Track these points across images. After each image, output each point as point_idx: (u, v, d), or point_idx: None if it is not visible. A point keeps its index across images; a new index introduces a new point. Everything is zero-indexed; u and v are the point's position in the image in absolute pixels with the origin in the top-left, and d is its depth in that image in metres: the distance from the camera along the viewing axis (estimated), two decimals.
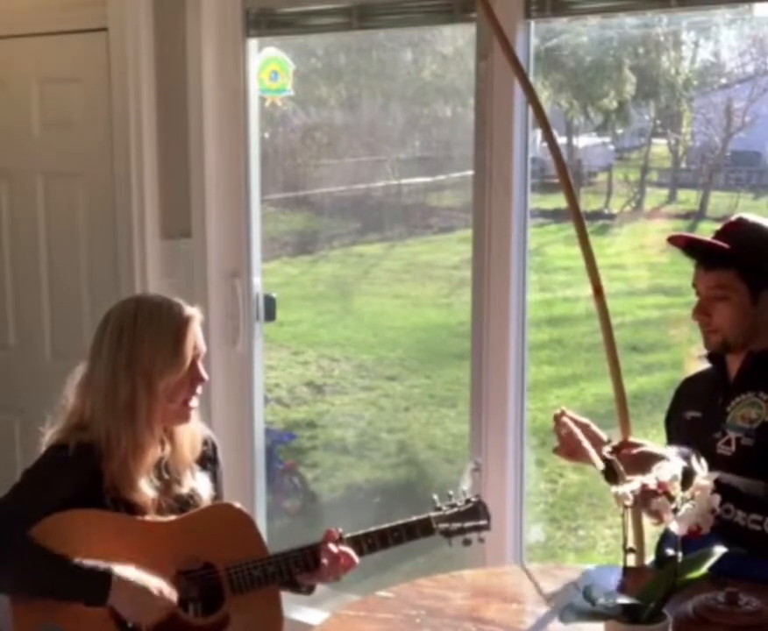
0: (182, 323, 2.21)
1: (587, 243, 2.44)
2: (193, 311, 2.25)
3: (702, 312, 2.29)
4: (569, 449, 2.33)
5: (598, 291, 2.46)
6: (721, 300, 2.25)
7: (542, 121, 2.52)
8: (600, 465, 2.18)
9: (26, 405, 3.57)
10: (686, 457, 1.88)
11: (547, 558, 4.72)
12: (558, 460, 2.33)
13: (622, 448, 2.35)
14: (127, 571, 2.06)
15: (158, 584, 2.08)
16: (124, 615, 2.07)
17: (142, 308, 2.22)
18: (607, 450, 2.34)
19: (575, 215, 2.48)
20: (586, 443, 2.27)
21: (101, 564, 2.05)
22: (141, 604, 2.06)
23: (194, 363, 2.22)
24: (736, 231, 2.28)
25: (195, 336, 2.23)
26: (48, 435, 2.24)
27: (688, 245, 2.33)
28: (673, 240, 2.35)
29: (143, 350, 2.17)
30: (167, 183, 3.47)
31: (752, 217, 2.32)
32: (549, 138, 2.51)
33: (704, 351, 2.36)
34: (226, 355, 3.46)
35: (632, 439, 2.41)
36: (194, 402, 2.25)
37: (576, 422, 2.36)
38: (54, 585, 2.05)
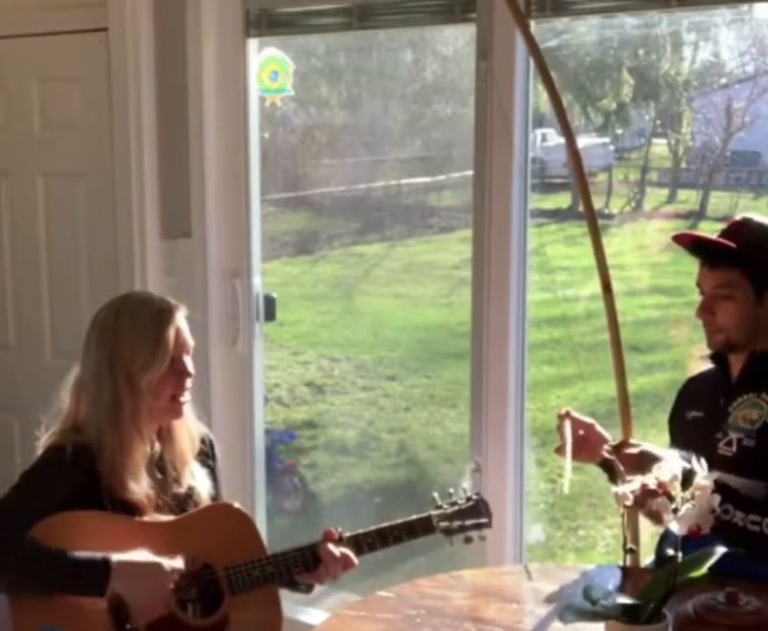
0: (162, 319, 2.19)
1: (599, 238, 2.46)
2: (174, 305, 2.24)
3: (706, 311, 2.28)
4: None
5: (607, 287, 2.48)
6: (726, 299, 2.25)
7: (562, 118, 2.54)
8: (569, 473, 2.20)
9: (26, 405, 3.56)
10: (687, 461, 1.88)
11: (547, 558, 4.72)
12: (560, 460, 2.33)
13: (622, 447, 2.35)
14: (126, 557, 2.06)
15: (159, 559, 2.07)
16: (129, 599, 2.06)
17: (125, 307, 2.23)
18: (606, 448, 2.34)
19: (587, 208, 2.50)
20: (568, 447, 2.28)
21: (98, 554, 2.05)
22: (145, 579, 2.06)
23: (178, 357, 2.21)
24: (742, 231, 2.28)
25: (178, 330, 2.21)
26: (45, 437, 2.24)
27: (693, 244, 2.33)
28: (678, 239, 2.35)
29: (123, 348, 2.17)
30: (167, 183, 3.47)
31: (757, 217, 2.32)
32: (567, 134, 2.53)
33: (706, 351, 2.36)
34: (226, 355, 3.46)
35: (632, 440, 2.42)
36: (184, 397, 2.24)
37: (580, 423, 2.36)
38: (54, 580, 2.05)
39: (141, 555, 2.08)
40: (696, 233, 2.41)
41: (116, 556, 2.05)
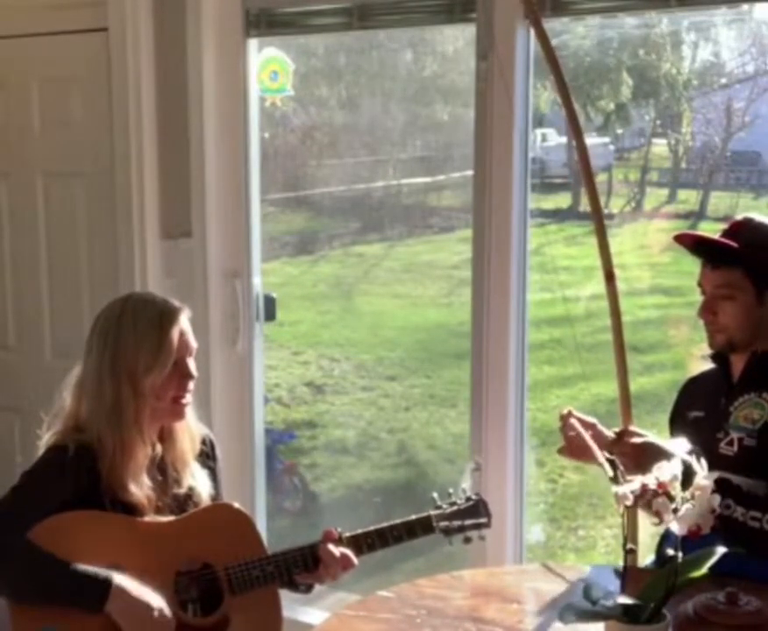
0: (166, 320, 2.19)
1: (602, 226, 2.47)
2: (178, 307, 2.23)
3: (708, 311, 2.28)
4: (574, 449, 2.33)
5: (610, 276, 2.48)
6: (728, 299, 2.25)
7: (572, 118, 2.55)
8: (610, 471, 2.17)
9: (26, 405, 3.57)
10: (691, 452, 1.88)
11: (547, 558, 4.72)
12: (559, 460, 2.33)
13: (624, 435, 2.35)
14: (128, 582, 2.05)
15: (158, 604, 2.07)
16: (120, 625, 2.06)
17: (127, 308, 2.22)
18: (609, 437, 2.33)
19: (590, 193, 2.50)
20: (595, 449, 2.26)
21: (101, 572, 2.04)
22: (139, 619, 2.05)
23: (181, 359, 2.20)
24: (744, 230, 2.28)
25: (182, 332, 2.21)
26: (46, 436, 2.23)
27: (695, 244, 2.33)
28: (680, 238, 2.35)
29: (126, 349, 2.16)
30: (167, 183, 3.47)
31: (759, 217, 2.32)
32: (574, 125, 2.54)
33: (708, 351, 2.36)
34: (226, 355, 3.46)
35: (633, 428, 2.41)
36: (186, 399, 2.24)
37: (583, 423, 2.35)
38: (52, 589, 2.04)
39: (143, 589, 2.06)
40: (698, 233, 2.41)
41: (118, 579, 2.04)
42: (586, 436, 2.29)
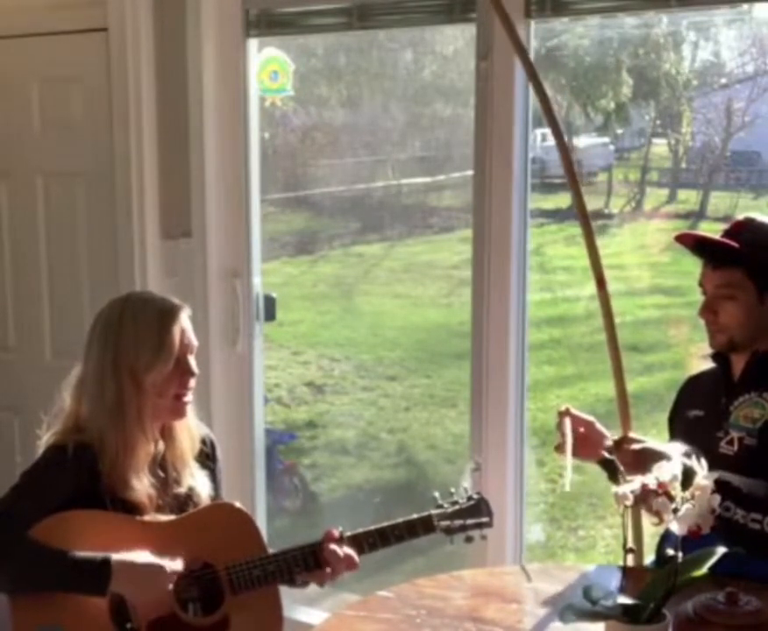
0: (166, 318, 2.20)
1: (591, 233, 2.46)
2: (178, 305, 2.24)
3: (709, 310, 2.28)
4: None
5: (601, 282, 2.48)
6: (729, 299, 2.25)
7: (549, 115, 2.54)
8: (570, 471, 2.18)
9: (26, 405, 3.56)
10: (688, 455, 1.88)
11: (547, 558, 4.72)
12: (559, 459, 2.32)
13: (623, 442, 2.35)
14: (124, 555, 2.07)
15: (159, 560, 2.08)
16: (129, 598, 2.07)
17: (128, 306, 2.23)
18: (607, 443, 2.34)
19: (578, 201, 2.50)
20: (569, 445, 2.26)
21: (98, 555, 2.05)
22: (146, 580, 2.06)
23: (182, 357, 2.21)
24: (745, 231, 2.28)
25: (182, 329, 2.21)
26: (46, 437, 2.24)
27: (697, 244, 2.33)
28: (681, 238, 2.35)
29: (128, 347, 2.17)
30: (167, 183, 3.47)
31: (760, 217, 2.32)
32: (555, 130, 2.53)
33: (708, 351, 2.36)
34: (226, 355, 3.46)
35: (632, 435, 2.41)
36: (187, 397, 2.24)
37: (580, 420, 2.35)
38: (54, 580, 2.05)
39: (142, 556, 2.08)
40: (699, 233, 2.41)
41: (116, 556, 2.06)
42: (569, 432, 2.28)
